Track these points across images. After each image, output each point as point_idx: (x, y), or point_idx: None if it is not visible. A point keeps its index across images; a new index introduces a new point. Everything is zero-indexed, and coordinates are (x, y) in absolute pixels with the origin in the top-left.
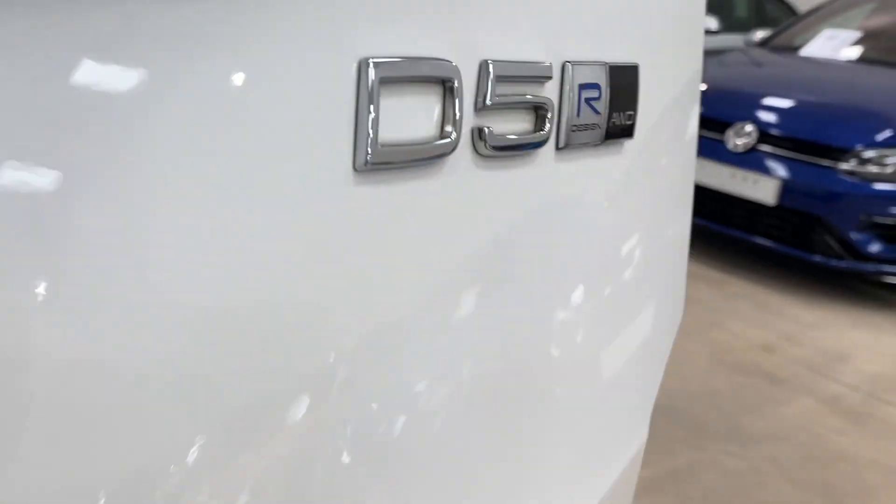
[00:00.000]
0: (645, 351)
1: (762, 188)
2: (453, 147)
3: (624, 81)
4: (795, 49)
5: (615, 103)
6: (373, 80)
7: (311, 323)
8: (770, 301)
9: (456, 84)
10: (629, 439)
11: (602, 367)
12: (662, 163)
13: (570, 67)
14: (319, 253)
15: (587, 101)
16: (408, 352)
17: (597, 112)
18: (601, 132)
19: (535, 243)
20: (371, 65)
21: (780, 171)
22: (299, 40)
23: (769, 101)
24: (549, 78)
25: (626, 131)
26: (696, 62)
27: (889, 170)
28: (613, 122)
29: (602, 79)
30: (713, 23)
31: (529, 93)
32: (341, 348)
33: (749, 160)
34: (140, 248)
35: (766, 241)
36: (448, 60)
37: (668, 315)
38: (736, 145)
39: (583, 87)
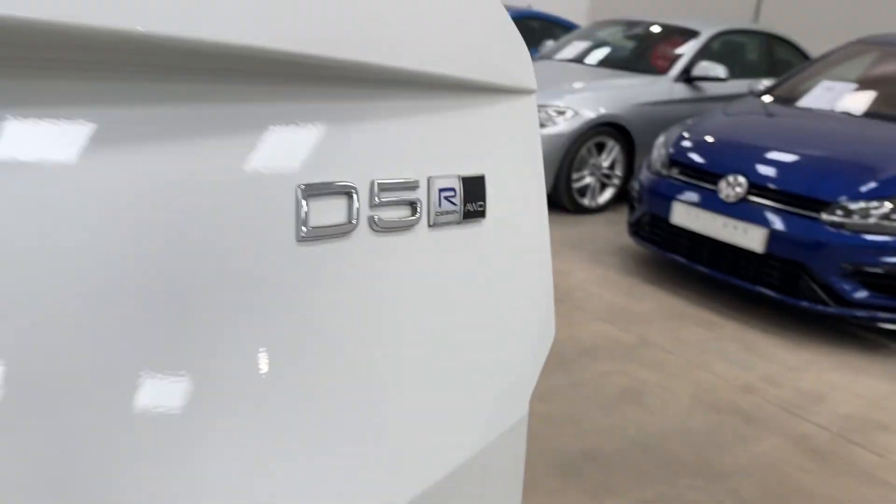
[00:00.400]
0: (516, 365)
1: (751, 237)
2: (355, 228)
3: (474, 184)
4: (795, 99)
5: (468, 197)
6: (304, 196)
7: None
8: (757, 343)
9: (354, 194)
10: (509, 412)
11: (476, 377)
12: (514, 231)
13: (431, 179)
14: (273, 290)
15: (446, 197)
16: (328, 369)
17: (454, 204)
18: (459, 215)
19: (419, 287)
20: (302, 188)
21: (768, 221)
22: (270, 176)
23: (760, 153)
24: (417, 187)
25: (479, 214)
26: (536, 166)
27: (872, 220)
28: (468, 209)
29: (456, 184)
30: (721, 71)
31: (405, 195)
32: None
33: (739, 210)
34: None
35: (755, 287)
36: (349, 182)
37: (538, 335)
38: (728, 196)
39: (442, 189)
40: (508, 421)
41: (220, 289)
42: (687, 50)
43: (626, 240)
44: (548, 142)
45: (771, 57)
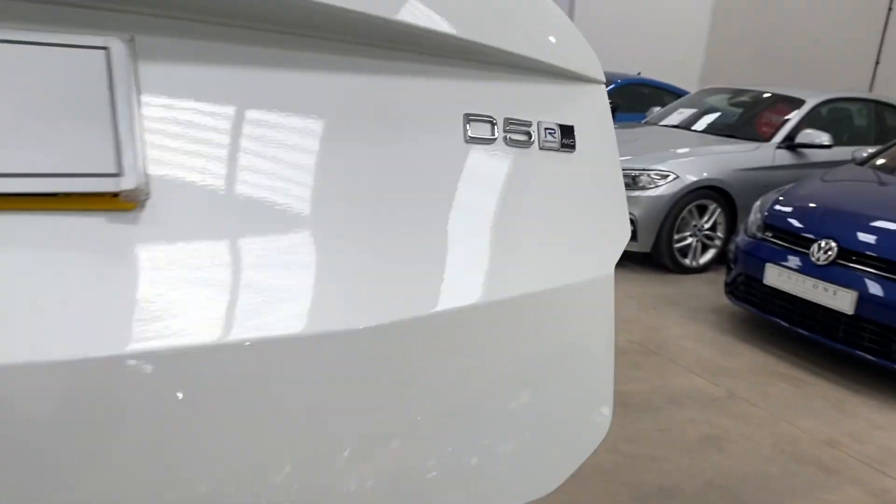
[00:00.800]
0: (598, 239)
1: (840, 299)
2: (495, 140)
3: (567, 129)
4: (894, 168)
5: (563, 136)
6: (467, 120)
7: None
8: (846, 402)
9: (495, 122)
10: (596, 267)
11: (570, 235)
12: (595, 162)
13: (539, 122)
14: (452, 165)
15: (549, 133)
16: (480, 213)
17: (554, 138)
18: (557, 145)
19: (531, 178)
20: (467, 116)
21: (858, 284)
22: (453, 108)
23: (852, 219)
24: (531, 124)
25: (570, 147)
26: (607, 125)
27: None
28: (563, 142)
29: (555, 127)
30: (826, 138)
31: (523, 128)
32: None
33: (829, 273)
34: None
35: (845, 348)
36: (493, 116)
37: (614, 228)
38: (818, 259)
39: (546, 128)
40: (596, 272)
41: (431, 161)
42: (791, 117)
43: (725, 299)
44: (649, 203)
45: (881, 124)
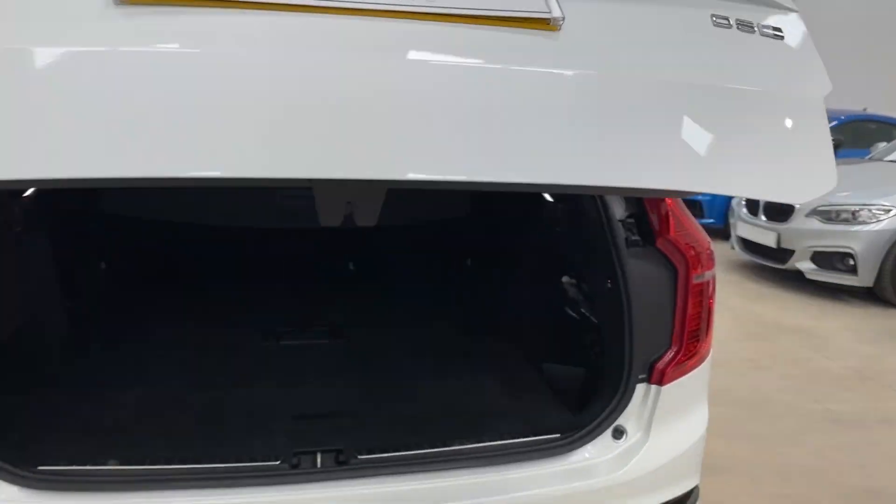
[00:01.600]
0: (807, 85)
1: None
2: (731, 28)
3: (776, 28)
4: None
5: (773, 31)
6: (713, 17)
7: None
8: None
9: (729, 19)
10: (813, 92)
11: (788, 79)
12: (794, 46)
13: (758, 23)
14: (706, 38)
15: (763, 28)
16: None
17: (767, 30)
18: (771, 34)
19: (756, 47)
20: (713, 15)
21: None
22: (704, 11)
23: None
24: (753, 23)
25: (780, 37)
26: (802, 31)
27: None
28: (774, 33)
29: (768, 26)
30: None
31: (748, 24)
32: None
33: None
34: None
35: None
36: (727, 16)
37: (818, 79)
38: None
39: (761, 25)
40: (809, 94)
41: (697, 31)
42: None
43: None
44: (870, 238)
45: None
